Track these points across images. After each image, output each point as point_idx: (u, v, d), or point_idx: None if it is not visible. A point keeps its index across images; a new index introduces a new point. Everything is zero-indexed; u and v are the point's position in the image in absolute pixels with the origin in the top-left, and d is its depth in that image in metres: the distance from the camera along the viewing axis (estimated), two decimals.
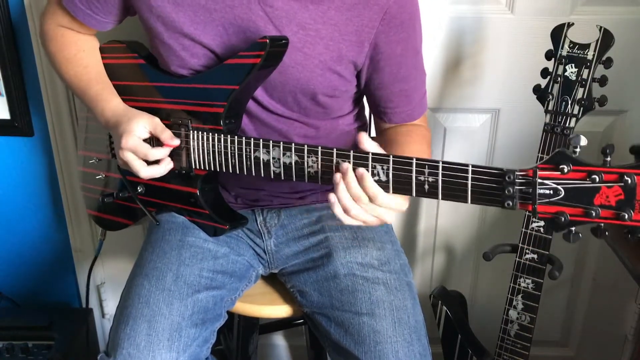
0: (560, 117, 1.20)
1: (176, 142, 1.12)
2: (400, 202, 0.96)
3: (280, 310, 1.25)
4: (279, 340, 1.94)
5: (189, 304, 1.08)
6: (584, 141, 0.78)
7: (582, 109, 1.18)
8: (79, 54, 1.22)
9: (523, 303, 1.32)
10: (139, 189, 1.24)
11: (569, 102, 1.18)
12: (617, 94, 1.39)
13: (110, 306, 1.90)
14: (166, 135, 1.11)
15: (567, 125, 1.19)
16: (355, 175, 0.93)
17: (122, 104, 1.18)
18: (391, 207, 0.95)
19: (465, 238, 1.75)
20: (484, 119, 1.60)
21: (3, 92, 1.62)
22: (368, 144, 0.94)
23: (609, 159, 0.77)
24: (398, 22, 1.08)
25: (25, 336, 1.66)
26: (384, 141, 1.20)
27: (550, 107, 1.21)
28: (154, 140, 1.13)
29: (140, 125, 1.10)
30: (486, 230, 1.72)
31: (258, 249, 1.26)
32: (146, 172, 1.11)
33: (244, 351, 1.39)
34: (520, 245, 1.30)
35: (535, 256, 1.28)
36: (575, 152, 0.78)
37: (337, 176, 0.94)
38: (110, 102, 1.18)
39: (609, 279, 1.73)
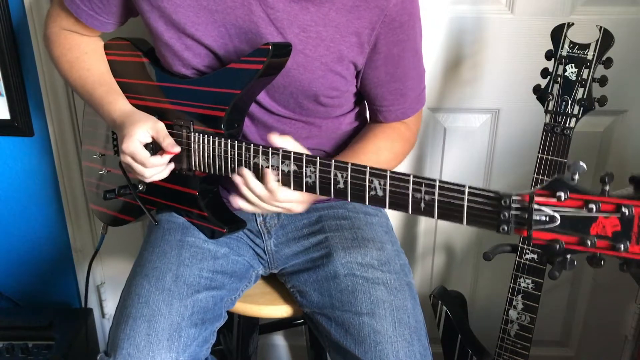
0: (560, 117, 1.20)
1: (177, 149, 1.12)
2: (300, 195, 1.03)
3: (280, 310, 1.25)
4: (279, 340, 1.94)
5: (188, 304, 1.08)
6: (582, 169, 0.76)
7: (582, 109, 1.18)
8: (82, 56, 1.22)
9: (523, 303, 1.32)
10: (140, 187, 1.24)
11: (569, 102, 1.18)
12: (617, 94, 1.39)
13: (110, 306, 1.90)
14: (168, 142, 1.11)
15: (567, 125, 1.19)
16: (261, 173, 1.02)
17: (127, 105, 1.18)
18: (291, 201, 1.03)
19: (465, 238, 1.75)
20: (484, 119, 1.60)
21: (3, 92, 1.62)
22: (279, 141, 1.01)
23: (607, 187, 0.75)
24: (397, 24, 1.08)
25: (25, 336, 1.67)
26: (360, 135, 1.24)
27: (550, 107, 1.20)
28: (156, 146, 1.13)
29: (142, 130, 1.10)
30: (486, 231, 1.71)
31: (258, 249, 1.26)
32: (149, 180, 1.12)
33: (244, 351, 1.39)
34: (520, 245, 1.30)
35: (535, 256, 1.28)
36: (573, 180, 0.77)
37: (239, 179, 1.04)
38: (116, 104, 1.18)
39: (609, 279, 1.73)
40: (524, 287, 1.31)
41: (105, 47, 1.27)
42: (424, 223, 1.74)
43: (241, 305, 1.24)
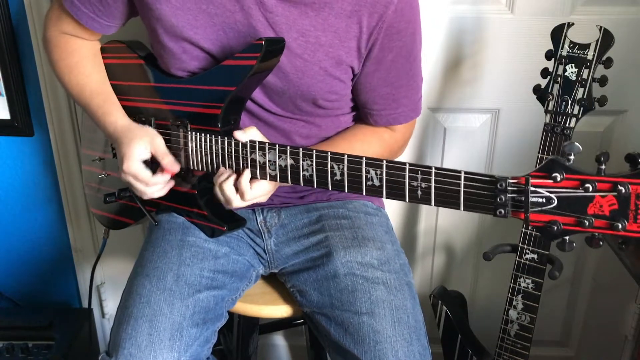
0: (560, 117, 1.20)
1: (176, 168, 1.13)
2: (267, 190, 1.08)
3: (280, 310, 1.25)
4: (279, 340, 1.95)
5: (190, 303, 1.08)
6: (578, 149, 0.76)
7: (582, 109, 1.18)
8: (82, 61, 1.22)
9: (523, 303, 1.32)
10: None
11: (569, 102, 1.18)
12: (617, 94, 1.39)
13: (110, 306, 1.90)
14: (167, 161, 1.12)
15: (567, 125, 1.19)
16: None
17: (123, 118, 1.18)
18: (257, 197, 1.08)
19: (465, 238, 1.75)
20: (484, 119, 1.60)
21: (3, 92, 1.62)
22: (244, 137, 1.04)
23: (603, 167, 0.75)
24: (395, 31, 1.08)
25: (25, 336, 1.67)
26: (341, 131, 1.24)
27: (550, 107, 1.21)
28: (155, 162, 1.14)
29: (141, 148, 1.11)
30: (486, 230, 1.72)
31: (258, 248, 1.26)
32: (150, 196, 1.14)
33: (244, 351, 1.39)
34: (520, 245, 1.30)
35: (535, 256, 1.28)
36: (569, 160, 0.77)
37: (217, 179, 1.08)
38: (111, 116, 1.18)
39: (609, 279, 1.73)
40: (524, 287, 1.31)
41: (102, 51, 1.26)
42: (424, 223, 1.74)
43: (241, 305, 1.24)
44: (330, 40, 1.08)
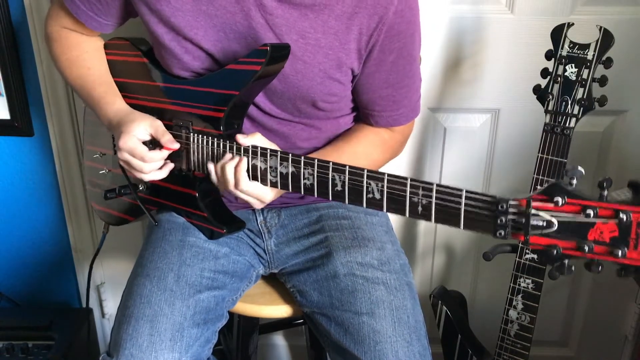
0: (560, 117, 1.20)
1: (176, 145, 1.12)
2: (264, 193, 1.06)
3: (280, 310, 1.25)
4: (279, 340, 1.95)
5: (190, 304, 1.08)
6: (580, 173, 0.75)
7: (582, 109, 1.18)
8: (83, 55, 1.23)
9: (523, 303, 1.32)
10: (140, 187, 1.24)
11: (569, 102, 1.18)
12: (617, 94, 1.39)
13: (110, 306, 1.90)
14: (167, 138, 1.11)
15: (567, 125, 1.19)
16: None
17: (125, 106, 1.19)
18: (251, 195, 1.05)
19: (465, 238, 1.75)
20: (484, 119, 1.60)
21: (3, 92, 1.62)
22: (247, 141, 1.03)
23: (605, 192, 0.74)
24: (395, 32, 1.08)
25: (25, 336, 1.67)
26: (343, 134, 1.24)
27: (550, 107, 1.21)
28: (154, 144, 1.13)
29: (140, 127, 1.10)
30: None
31: (258, 248, 1.26)
32: (148, 176, 1.12)
33: (244, 351, 1.39)
34: (520, 245, 1.30)
35: (535, 256, 1.28)
36: (571, 184, 0.76)
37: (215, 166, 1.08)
38: (114, 105, 1.18)
39: (609, 279, 1.73)
40: (524, 287, 1.31)
41: (105, 47, 1.27)
42: (424, 223, 1.74)
43: (241, 305, 1.24)
44: (330, 42, 1.07)
